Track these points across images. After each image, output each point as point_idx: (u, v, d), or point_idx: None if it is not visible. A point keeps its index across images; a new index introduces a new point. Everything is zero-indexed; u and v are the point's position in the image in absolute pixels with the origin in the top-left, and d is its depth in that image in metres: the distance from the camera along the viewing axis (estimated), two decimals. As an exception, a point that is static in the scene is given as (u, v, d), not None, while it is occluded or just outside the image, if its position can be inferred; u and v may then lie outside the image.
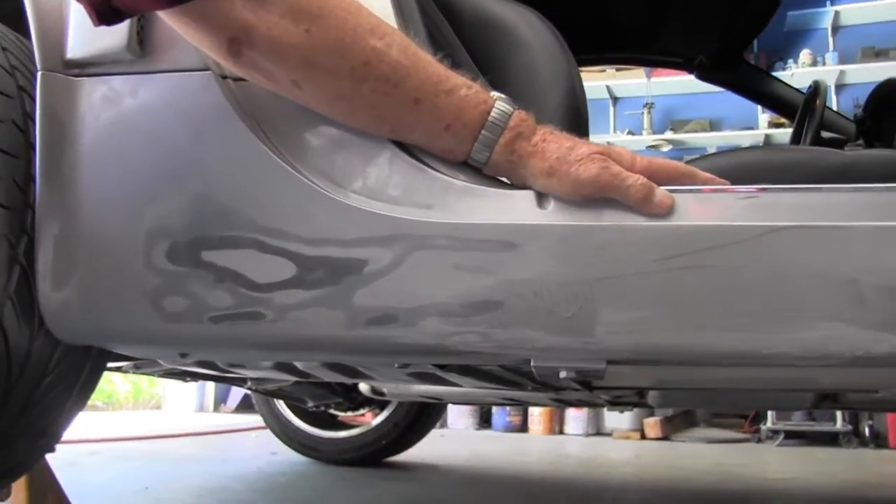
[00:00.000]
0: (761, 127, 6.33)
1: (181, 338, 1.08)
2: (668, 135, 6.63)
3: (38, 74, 1.08)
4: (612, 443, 4.74)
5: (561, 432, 5.24)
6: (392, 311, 0.98)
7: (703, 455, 3.90)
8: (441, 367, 1.33)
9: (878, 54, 6.13)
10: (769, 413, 4.71)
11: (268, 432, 3.33)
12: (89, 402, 1.31)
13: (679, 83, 6.32)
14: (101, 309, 1.06)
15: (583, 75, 1.39)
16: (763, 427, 4.77)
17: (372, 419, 3.06)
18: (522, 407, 5.19)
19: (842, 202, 0.94)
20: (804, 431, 4.72)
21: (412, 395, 2.18)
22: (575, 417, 5.18)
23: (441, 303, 0.97)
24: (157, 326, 1.05)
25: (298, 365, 1.47)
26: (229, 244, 1.02)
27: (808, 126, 2.25)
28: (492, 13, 1.38)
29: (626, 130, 6.76)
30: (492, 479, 2.99)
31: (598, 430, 5.21)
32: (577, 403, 2.66)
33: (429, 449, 3.56)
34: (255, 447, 3.83)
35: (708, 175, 1.02)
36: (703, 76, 2.89)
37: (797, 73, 5.98)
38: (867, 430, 4.53)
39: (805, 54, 6.36)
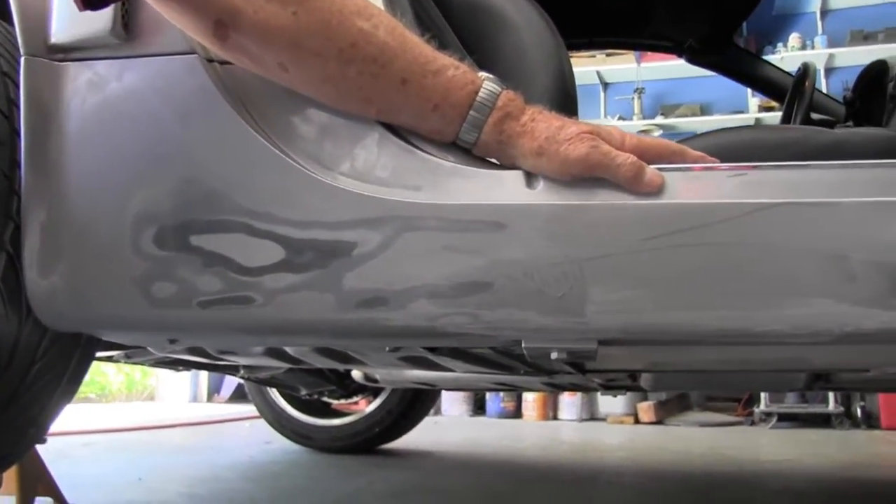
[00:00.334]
0: (751, 111, 6.33)
1: (170, 323, 1.07)
2: (659, 120, 6.63)
3: (22, 60, 1.07)
4: (607, 427, 4.76)
5: (555, 418, 5.25)
6: (382, 293, 0.97)
7: (697, 438, 3.91)
8: (432, 350, 1.33)
9: (867, 38, 6.13)
10: (762, 396, 4.74)
11: (262, 421, 3.32)
12: (82, 394, 1.30)
13: (669, 68, 6.32)
14: (89, 295, 1.05)
15: (573, 61, 1.38)
16: (756, 410, 4.79)
17: (365, 406, 3.06)
18: (516, 393, 5.20)
19: (830, 179, 0.94)
20: (797, 414, 4.74)
21: (405, 381, 2.18)
22: (569, 403, 5.19)
23: (430, 284, 0.96)
24: (146, 312, 1.04)
25: (289, 351, 1.47)
26: (217, 228, 1.01)
27: (798, 108, 2.25)
28: (480, -6, 1.38)
29: (617, 116, 6.75)
30: (486, 465, 2.99)
31: (592, 416, 5.22)
32: (571, 388, 2.65)
33: (423, 436, 3.56)
34: (249, 436, 3.83)
35: (698, 153, 1.01)
36: (692, 60, 2.89)
37: (786, 57, 5.98)
38: (859, 412, 4.57)
39: (794, 38, 6.36)
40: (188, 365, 2.07)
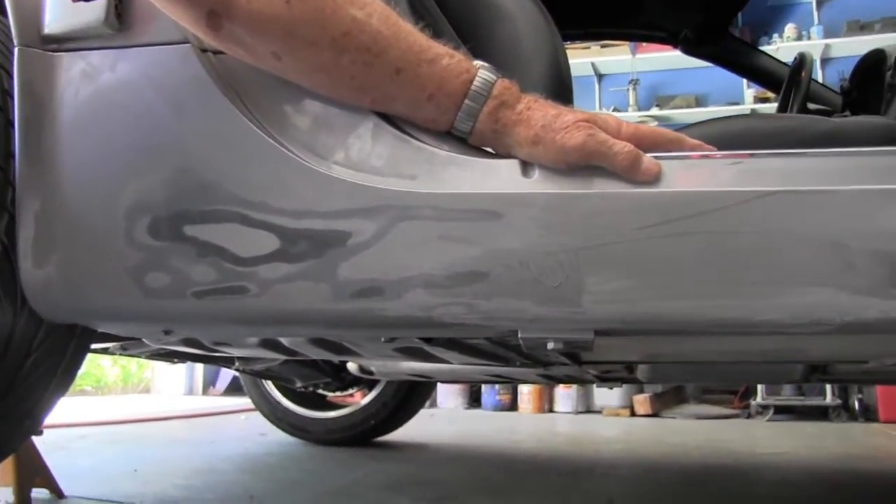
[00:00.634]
0: (747, 102, 6.32)
1: (164, 314, 1.07)
2: (654, 111, 6.62)
3: (16, 50, 1.07)
4: (602, 420, 4.75)
5: (551, 410, 5.24)
6: (377, 283, 0.97)
7: (693, 431, 3.91)
8: (427, 341, 1.33)
9: (864, 28, 6.11)
10: (759, 388, 4.73)
11: (257, 414, 3.32)
12: (78, 387, 1.30)
13: (664, 59, 6.31)
14: (84, 286, 1.05)
15: (567, 52, 1.38)
16: (753, 402, 4.78)
17: (361, 399, 3.06)
18: (512, 385, 5.20)
19: (828, 167, 0.94)
20: (794, 406, 4.73)
21: (400, 373, 2.18)
22: (564, 395, 5.18)
23: (426, 274, 0.96)
24: (140, 303, 1.04)
25: (284, 342, 1.46)
26: (211, 218, 1.01)
27: (794, 98, 2.24)
28: (474, -17, 1.37)
29: (612, 107, 6.74)
30: (482, 457, 2.99)
31: (587, 408, 5.21)
32: (566, 380, 2.65)
33: (418, 428, 3.56)
34: (245, 429, 3.82)
35: (695, 141, 1.01)
36: (688, 50, 2.88)
37: (782, 48, 5.97)
38: (857, 404, 4.54)
39: (790, 28, 6.35)
40: (184, 357, 2.06)
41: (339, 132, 1.01)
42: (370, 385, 3.01)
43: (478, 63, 0.99)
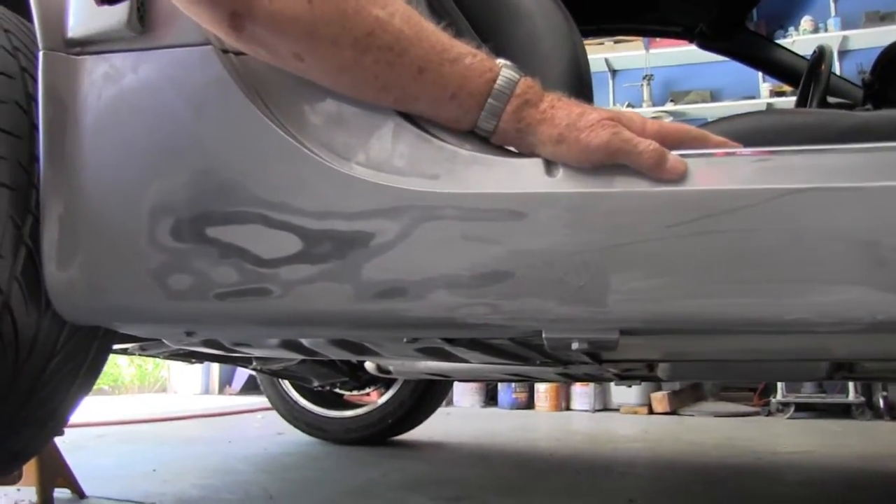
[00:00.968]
0: (762, 96, 6.29)
1: (187, 315, 1.07)
2: (669, 106, 6.60)
3: (40, 54, 1.07)
4: (620, 418, 4.74)
5: (567, 408, 5.23)
6: (400, 283, 0.97)
7: (712, 429, 3.89)
8: (449, 341, 1.32)
9: (883, 18, 6.03)
10: (779, 385, 4.68)
11: (273, 413, 3.33)
12: (95, 386, 1.30)
13: (678, 54, 6.29)
14: (107, 288, 1.05)
15: (583, 49, 1.37)
16: (773, 400, 4.73)
17: (378, 398, 3.06)
18: (528, 384, 5.19)
19: (857, 162, 0.92)
20: (815, 404, 4.67)
21: (418, 372, 2.18)
22: (581, 393, 5.17)
23: (450, 274, 0.95)
24: (163, 304, 1.04)
25: (305, 342, 1.46)
26: (233, 220, 1.01)
27: (814, 92, 2.23)
28: (492, -18, 1.36)
29: (626, 103, 6.72)
30: (499, 456, 2.99)
31: (604, 406, 5.20)
32: (585, 378, 2.65)
33: (435, 427, 3.56)
34: (261, 428, 3.83)
35: (720, 138, 1.00)
36: (704, 45, 2.88)
37: (798, 41, 5.93)
38: (881, 402, 4.45)
39: (806, 21, 6.31)
40: (202, 357, 2.07)
41: (361, 132, 1.01)
42: (387, 384, 3.01)
43: (500, 62, 0.98)
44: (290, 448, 3.01)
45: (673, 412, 4.80)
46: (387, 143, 1.00)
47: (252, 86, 1.03)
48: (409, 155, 0.99)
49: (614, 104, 6.77)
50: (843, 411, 4.59)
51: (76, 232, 1.04)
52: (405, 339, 1.29)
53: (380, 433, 3.07)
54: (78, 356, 1.16)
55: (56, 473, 1.84)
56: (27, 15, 1.10)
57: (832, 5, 6.39)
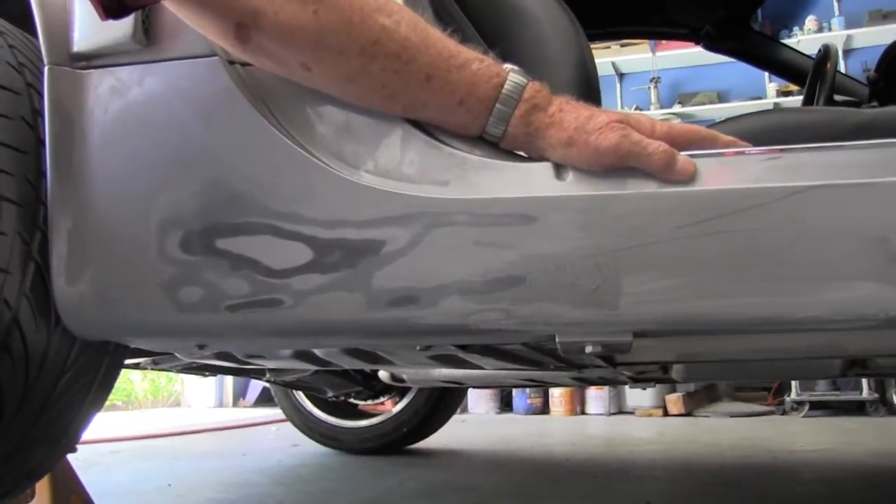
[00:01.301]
0: (769, 96, 6.30)
1: (198, 328, 1.06)
2: (676, 108, 6.61)
3: (45, 69, 1.07)
4: (635, 421, 4.73)
5: (583, 412, 5.22)
6: (412, 291, 0.96)
7: (727, 429, 3.88)
8: (463, 347, 1.32)
9: (886, 16, 6.06)
10: (793, 384, 4.68)
11: (288, 425, 3.33)
12: (109, 402, 1.30)
13: (684, 56, 6.30)
14: (117, 302, 1.05)
15: (590, 52, 1.37)
16: (787, 399, 4.73)
17: (392, 407, 3.06)
18: (543, 389, 5.19)
19: (867, 159, 0.92)
20: (829, 402, 4.68)
21: (432, 380, 2.17)
22: (596, 397, 5.16)
23: (462, 280, 0.95)
24: (174, 318, 1.03)
25: (318, 353, 1.46)
26: (243, 231, 1.00)
27: (820, 90, 2.22)
28: (498, -13, 1.36)
29: (634, 106, 6.73)
30: (516, 462, 2.98)
31: (619, 409, 5.19)
32: (600, 382, 2.64)
33: (450, 435, 3.56)
34: (276, 440, 3.83)
35: (729, 138, 0.99)
36: (710, 46, 2.87)
37: (803, 40, 5.94)
38: (895, 398, 4.48)
39: (810, 21, 6.31)
40: (215, 370, 2.07)
41: (370, 140, 1.00)
42: (401, 393, 3.00)
43: (508, 66, 0.98)
44: (305, 459, 3.01)
45: (688, 414, 4.79)
46: (396, 151, 1.00)
47: (259, 96, 1.03)
48: (419, 162, 0.99)
49: (622, 107, 6.77)
50: (858, 408, 4.59)
51: (85, 246, 1.04)
52: (418, 347, 1.29)
53: (395, 442, 3.07)
54: (89, 372, 1.15)
55: (69, 491, 1.84)
56: (32, 30, 1.10)
57: (836, 5, 6.39)
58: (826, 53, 2.29)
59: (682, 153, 0.94)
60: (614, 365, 1.62)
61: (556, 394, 5.19)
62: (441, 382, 2.25)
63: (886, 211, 0.88)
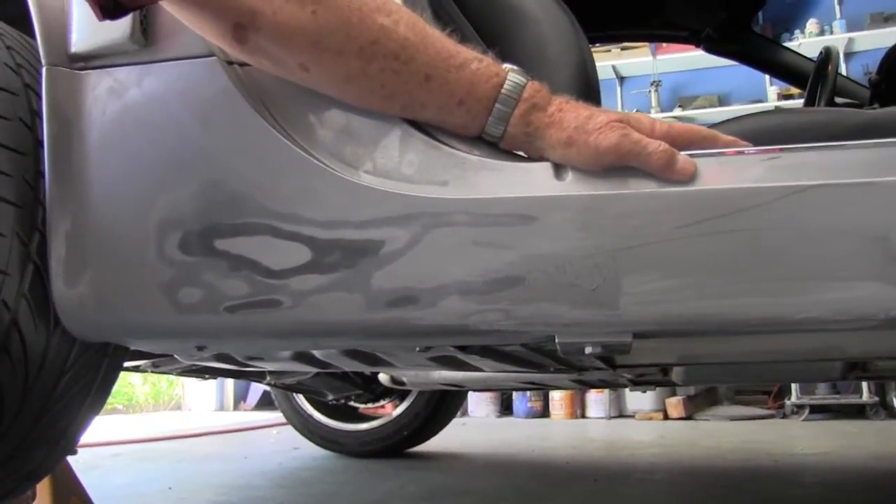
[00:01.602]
0: (770, 99, 6.28)
1: (197, 329, 1.06)
2: (677, 112, 6.59)
3: (43, 70, 1.07)
4: (636, 424, 4.72)
5: (583, 416, 5.21)
6: (411, 291, 0.96)
7: (728, 433, 3.88)
8: (462, 349, 1.31)
9: (887, 19, 6.04)
10: (793, 388, 4.67)
11: (289, 428, 3.33)
12: (109, 405, 1.30)
13: (685, 59, 6.29)
14: (116, 304, 1.05)
15: (590, 55, 1.37)
16: (787, 402, 4.71)
17: (393, 410, 3.06)
18: (543, 392, 5.18)
19: (867, 158, 0.92)
20: (830, 405, 4.66)
21: (432, 382, 2.17)
22: (596, 400, 5.15)
23: (461, 281, 0.94)
24: (173, 319, 1.03)
25: (317, 354, 1.45)
26: (242, 231, 1.00)
27: (822, 93, 2.22)
28: (497, -12, 1.36)
29: (634, 110, 6.69)
30: (516, 465, 2.98)
31: (620, 413, 5.18)
32: (600, 385, 2.63)
33: (451, 438, 3.56)
34: (277, 443, 3.82)
35: (729, 138, 0.99)
36: (710, 49, 2.86)
37: (804, 44, 5.92)
38: (895, 401, 4.47)
39: (812, 23, 6.30)
40: (215, 373, 2.06)
41: (369, 141, 1.00)
42: (402, 396, 3.00)
43: (507, 66, 0.98)
44: (306, 462, 3.01)
45: (688, 417, 4.78)
46: (395, 151, 1.00)
47: (257, 96, 1.03)
48: (418, 162, 0.99)
49: (623, 111, 6.75)
50: (858, 412, 4.57)
51: (84, 248, 1.04)
52: (417, 348, 1.29)
53: (396, 445, 3.07)
54: (88, 374, 1.15)
55: (70, 493, 1.83)
56: (30, 31, 1.10)
57: (837, 8, 6.38)
58: (827, 56, 2.29)
59: (682, 153, 0.94)
60: (614, 367, 1.61)
61: (557, 397, 5.18)
62: (441, 385, 2.24)
63: (886, 211, 0.87)
